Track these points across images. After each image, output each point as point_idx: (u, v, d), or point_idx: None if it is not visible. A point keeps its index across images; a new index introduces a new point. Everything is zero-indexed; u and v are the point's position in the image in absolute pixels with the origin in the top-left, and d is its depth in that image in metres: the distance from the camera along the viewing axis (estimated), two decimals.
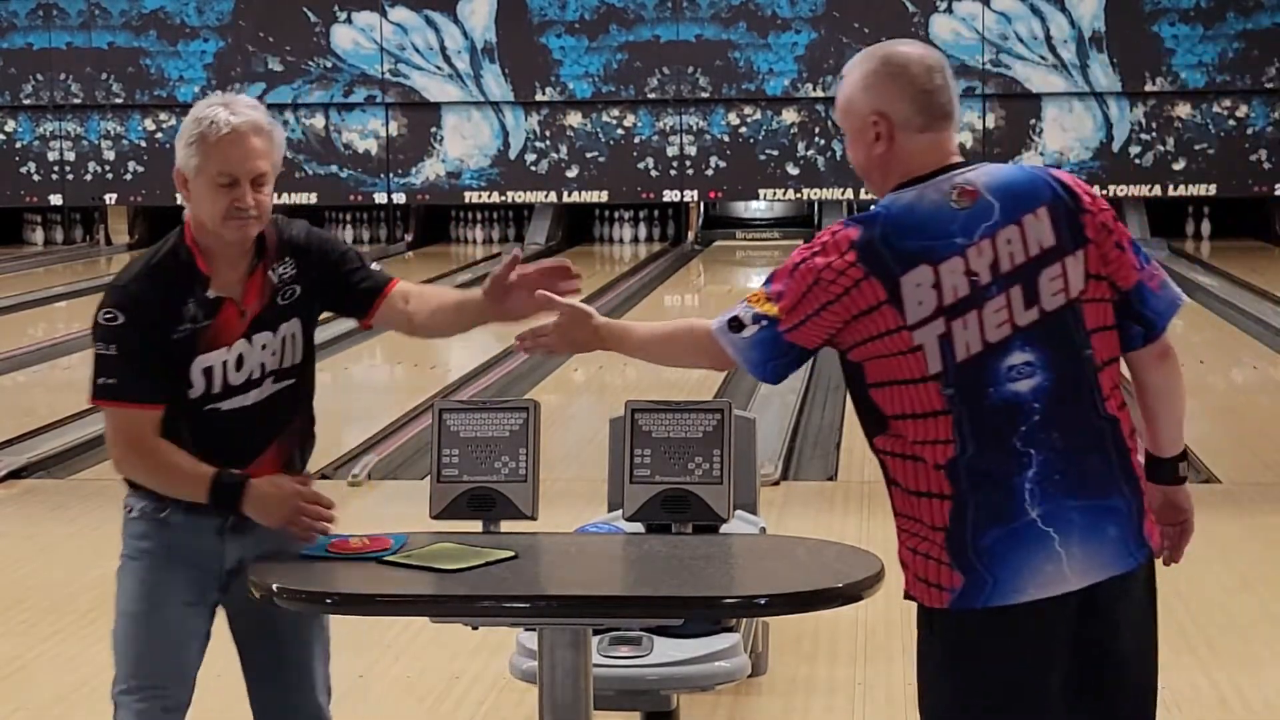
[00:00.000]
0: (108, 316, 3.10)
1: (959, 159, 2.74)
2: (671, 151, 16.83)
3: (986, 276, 2.62)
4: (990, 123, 16.46)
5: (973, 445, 2.60)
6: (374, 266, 3.44)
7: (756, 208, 18.05)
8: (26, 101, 17.37)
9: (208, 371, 3.13)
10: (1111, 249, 2.72)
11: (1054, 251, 2.66)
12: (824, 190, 16.78)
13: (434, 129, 17.01)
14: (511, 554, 3.07)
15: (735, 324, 2.74)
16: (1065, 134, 16.50)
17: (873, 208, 2.75)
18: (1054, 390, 2.64)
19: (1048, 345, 2.64)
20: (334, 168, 17.12)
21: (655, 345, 2.95)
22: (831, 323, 2.66)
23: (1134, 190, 16.57)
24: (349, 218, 17.96)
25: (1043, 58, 16.33)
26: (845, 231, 2.69)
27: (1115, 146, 16.48)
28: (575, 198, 17.03)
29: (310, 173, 17.14)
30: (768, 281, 2.73)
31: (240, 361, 3.15)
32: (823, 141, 16.61)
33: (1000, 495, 2.60)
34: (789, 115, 16.65)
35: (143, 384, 3.09)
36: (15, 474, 7.06)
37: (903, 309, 2.61)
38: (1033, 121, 16.48)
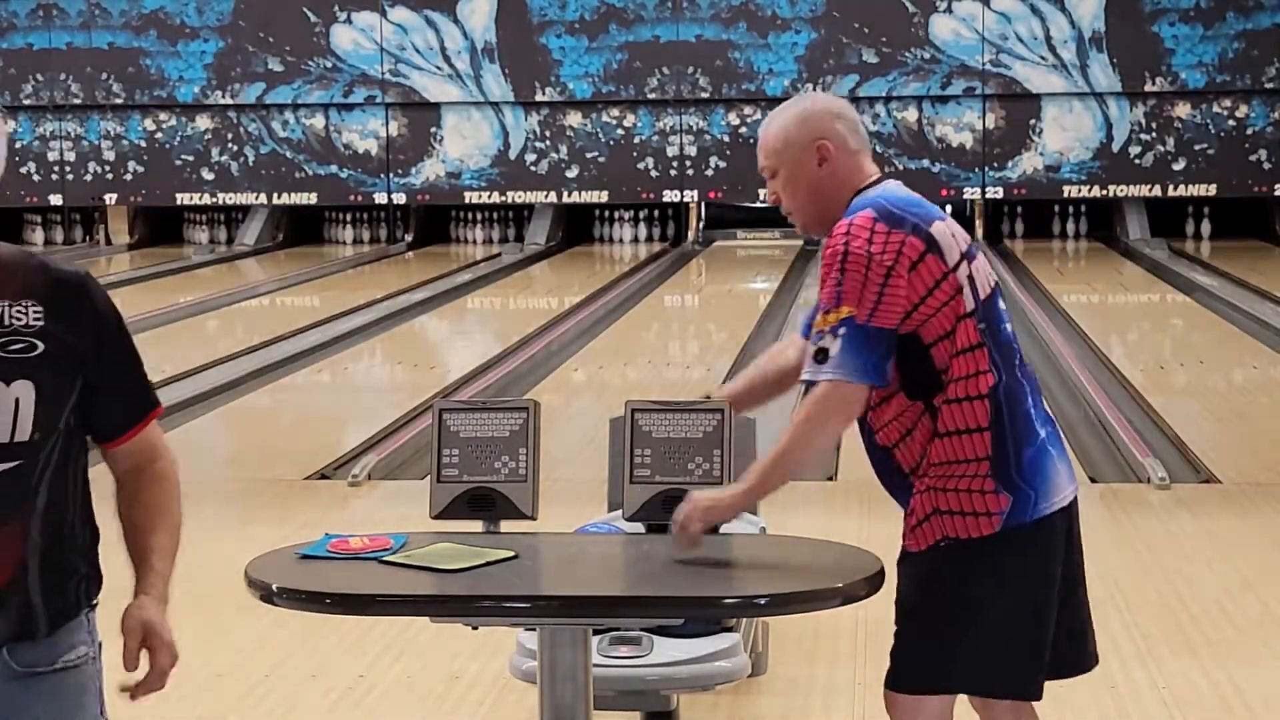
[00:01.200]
0: None
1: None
2: (671, 151, 16.83)
3: (964, 241, 3.08)
4: (990, 123, 16.46)
5: (1003, 373, 3.02)
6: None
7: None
8: (26, 101, 17.37)
9: None
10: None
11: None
12: None
13: (434, 129, 17.01)
14: (511, 554, 3.07)
15: (821, 355, 2.97)
16: (1065, 134, 16.50)
17: (859, 202, 3.05)
18: (1017, 337, 3.15)
19: (1005, 311, 3.13)
20: (334, 168, 17.12)
21: (794, 449, 3.04)
22: (899, 292, 2.94)
23: (1134, 190, 16.57)
24: (349, 218, 17.96)
25: (1043, 58, 16.33)
26: (861, 217, 2.99)
27: (1115, 146, 16.48)
28: (575, 198, 17.03)
29: (310, 173, 17.13)
30: (821, 306, 2.98)
31: None
32: None
33: (1022, 417, 3.02)
34: None
35: None
36: None
37: (942, 254, 2.99)
38: (1032, 121, 16.48)
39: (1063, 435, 3.18)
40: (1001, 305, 3.09)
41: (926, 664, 3.09)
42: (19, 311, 2.38)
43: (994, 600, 3.03)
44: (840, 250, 2.96)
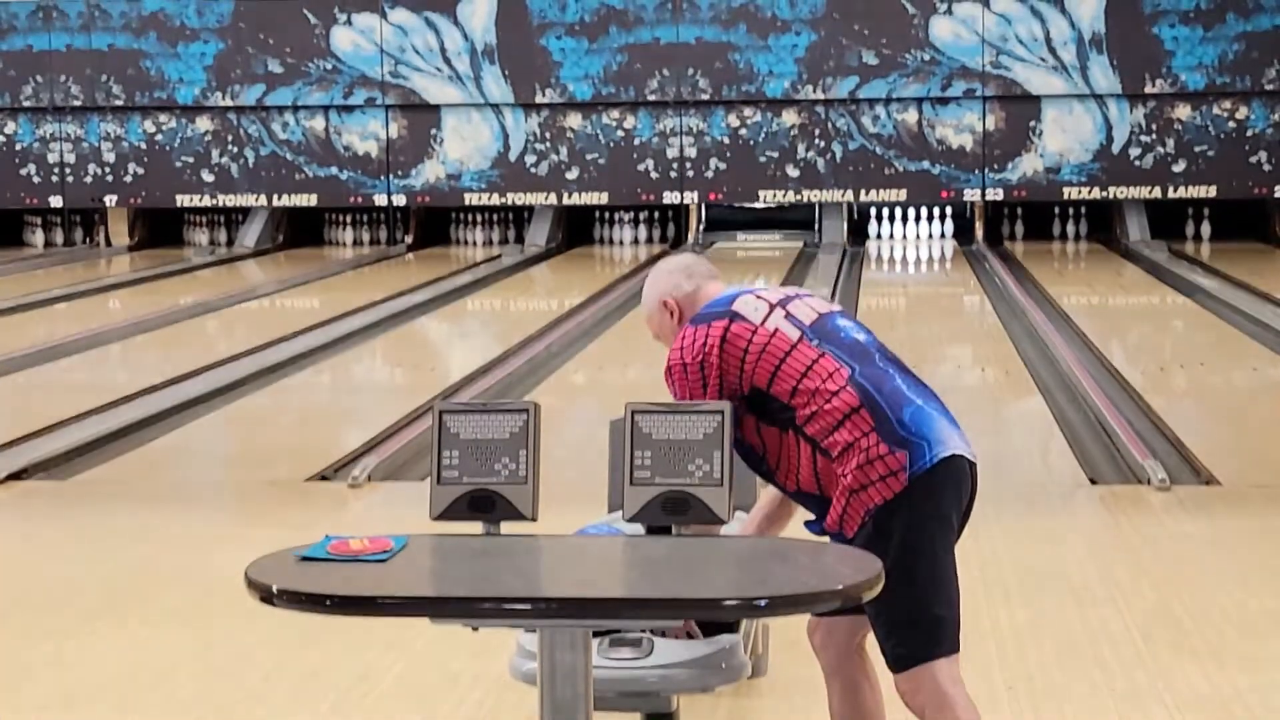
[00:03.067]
0: None
1: None
2: (671, 153, 16.84)
3: (779, 293, 3.52)
4: (990, 125, 16.46)
5: (856, 365, 3.35)
6: None
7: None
8: (26, 103, 17.38)
9: None
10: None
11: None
12: (824, 192, 16.78)
13: (434, 131, 17.02)
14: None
15: None
16: (1065, 136, 16.51)
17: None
18: (875, 344, 3.45)
19: (852, 325, 3.49)
20: (334, 169, 17.12)
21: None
22: (714, 372, 3.40)
23: (1134, 192, 16.57)
24: (349, 220, 17.97)
25: (1043, 59, 16.34)
26: (693, 337, 3.46)
27: (1115, 148, 16.48)
28: (575, 200, 17.03)
29: (310, 174, 17.14)
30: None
31: None
32: (823, 144, 16.62)
33: (891, 392, 3.33)
34: (789, 117, 16.66)
35: None
36: (15, 475, 7.06)
37: (747, 319, 3.42)
38: (1032, 123, 16.49)
39: (955, 423, 3.38)
40: (842, 321, 3.45)
41: (907, 633, 3.28)
42: None
43: (928, 548, 3.26)
44: (681, 365, 3.46)
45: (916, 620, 3.28)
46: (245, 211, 17.69)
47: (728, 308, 3.46)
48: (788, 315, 3.43)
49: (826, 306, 3.50)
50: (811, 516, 3.49)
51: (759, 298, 3.48)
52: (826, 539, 3.39)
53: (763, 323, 3.42)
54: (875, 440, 3.28)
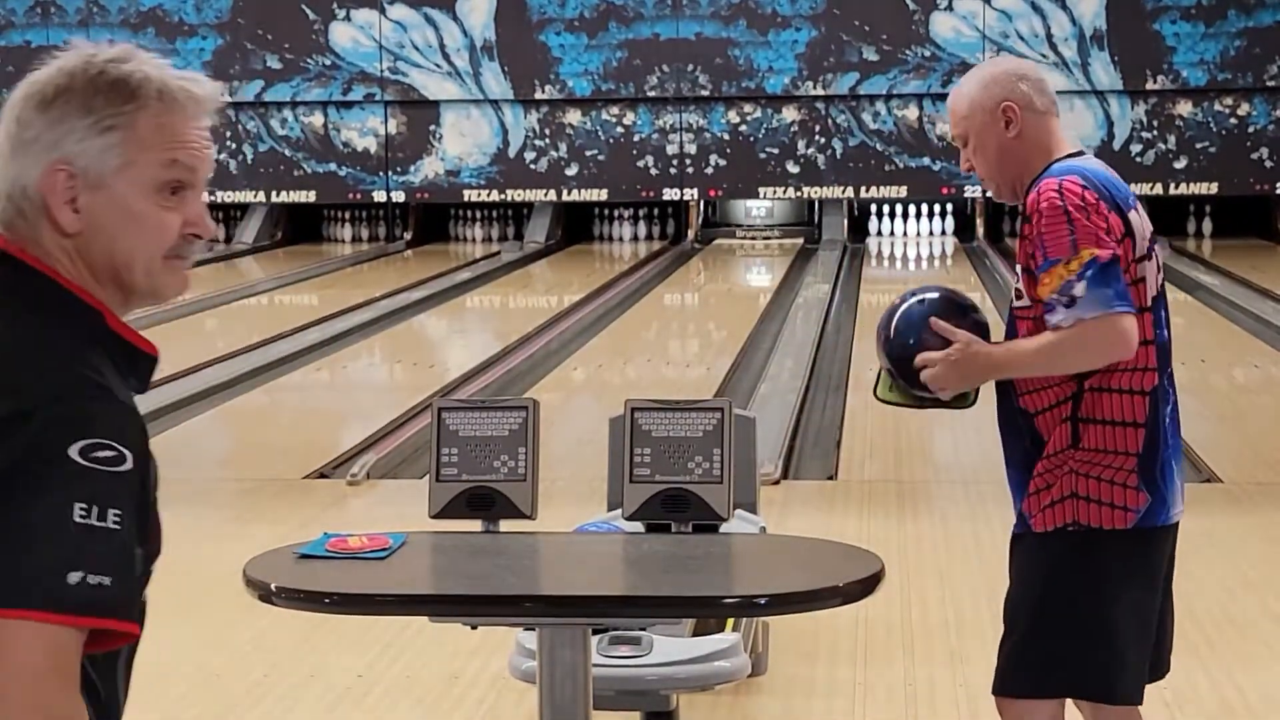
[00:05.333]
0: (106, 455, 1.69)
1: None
2: (671, 150, 16.82)
3: (1148, 238, 3.06)
4: None
5: (1160, 375, 3.03)
6: None
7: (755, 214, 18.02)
8: None
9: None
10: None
11: (1155, 239, 3.12)
12: (824, 189, 16.77)
13: (433, 127, 17.00)
14: None
15: (1069, 301, 2.91)
16: (1066, 132, 16.47)
17: (1056, 170, 3.05)
18: (1171, 346, 3.10)
19: (1168, 309, 3.11)
20: (333, 165, 17.11)
21: (1043, 357, 2.99)
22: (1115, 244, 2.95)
23: (1135, 188, 16.39)
24: (348, 216, 17.95)
25: (1044, 55, 16.31)
26: (1070, 179, 2.99)
27: (1116, 144, 16.47)
28: (575, 196, 17.02)
29: (309, 170, 17.12)
30: (1048, 261, 2.93)
31: None
32: (823, 140, 16.60)
33: (1167, 422, 3.05)
34: (789, 113, 16.64)
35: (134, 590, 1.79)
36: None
37: (1135, 242, 3.00)
38: None
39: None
40: (1164, 311, 3.09)
41: (1044, 667, 3.04)
42: None
43: (1118, 597, 3.01)
44: (1059, 205, 2.94)
45: (1050, 653, 3.04)
46: (244, 208, 17.67)
47: (1125, 211, 3.00)
48: (1144, 275, 3.02)
49: (1158, 285, 3.07)
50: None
51: (1142, 223, 3.04)
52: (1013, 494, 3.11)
53: (1139, 260, 3.01)
54: (1133, 466, 3.01)
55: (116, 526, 1.65)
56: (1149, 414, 3.00)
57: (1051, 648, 3.02)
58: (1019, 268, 3.05)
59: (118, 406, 1.74)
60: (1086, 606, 3.00)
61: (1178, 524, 3.12)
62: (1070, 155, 3.10)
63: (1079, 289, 2.90)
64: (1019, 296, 3.04)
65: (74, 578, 1.60)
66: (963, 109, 3.11)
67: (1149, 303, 3.01)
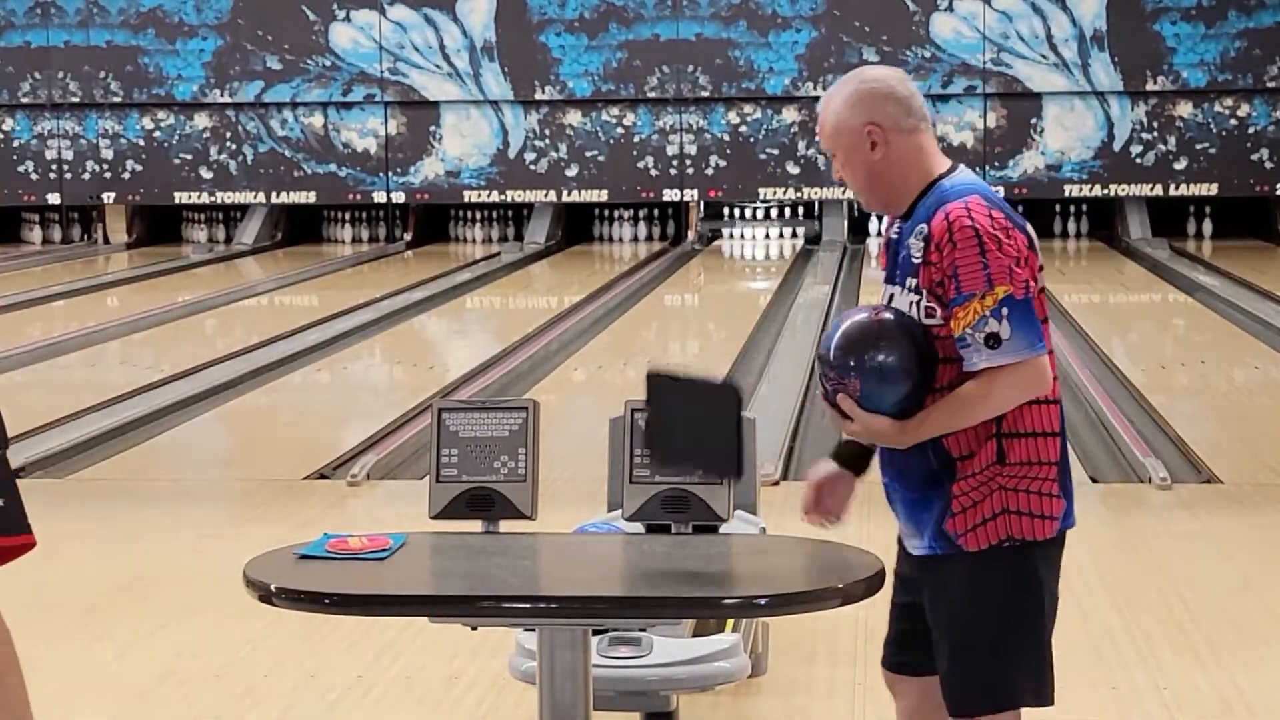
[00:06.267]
0: None
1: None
2: (671, 150, 16.82)
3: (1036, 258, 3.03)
4: (991, 122, 16.45)
5: (1058, 385, 3.01)
6: None
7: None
8: (24, 100, 17.36)
9: None
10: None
11: None
12: (824, 189, 16.77)
13: (433, 127, 17.00)
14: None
15: (992, 340, 2.90)
16: (1066, 133, 16.49)
17: (956, 187, 2.97)
18: None
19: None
20: (333, 166, 17.11)
21: (949, 417, 2.95)
22: (1031, 278, 2.95)
23: (1135, 190, 16.56)
24: (348, 217, 17.95)
25: (1044, 56, 16.32)
26: (972, 199, 2.94)
27: (1116, 146, 16.47)
28: (575, 197, 17.02)
29: (309, 171, 17.12)
30: (961, 295, 2.89)
31: None
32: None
33: (1062, 431, 3.03)
34: (789, 114, 16.64)
35: None
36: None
37: (1037, 254, 2.98)
38: (1034, 120, 16.47)
39: None
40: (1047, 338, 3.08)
41: (1004, 680, 3.02)
42: None
43: (1044, 603, 3.03)
44: (973, 236, 2.89)
45: (999, 666, 3.02)
46: (244, 209, 17.66)
47: (1023, 227, 2.97)
48: (1041, 288, 2.99)
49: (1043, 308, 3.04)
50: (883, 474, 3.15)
51: (1031, 242, 2.98)
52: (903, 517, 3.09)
53: (1035, 276, 2.97)
54: (1054, 475, 3.00)
55: None
56: (1060, 422, 3.01)
57: (1007, 662, 3.01)
58: (922, 288, 2.94)
59: None
60: (1030, 617, 3.02)
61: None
62: (950, 171, 3.02)
63: (1002, 330, 2.88)
64: (930, 315, 2.94)
65: None
66: (829, 127, 3.02)
67: (1045, 314, 2.99)
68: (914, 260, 2.95)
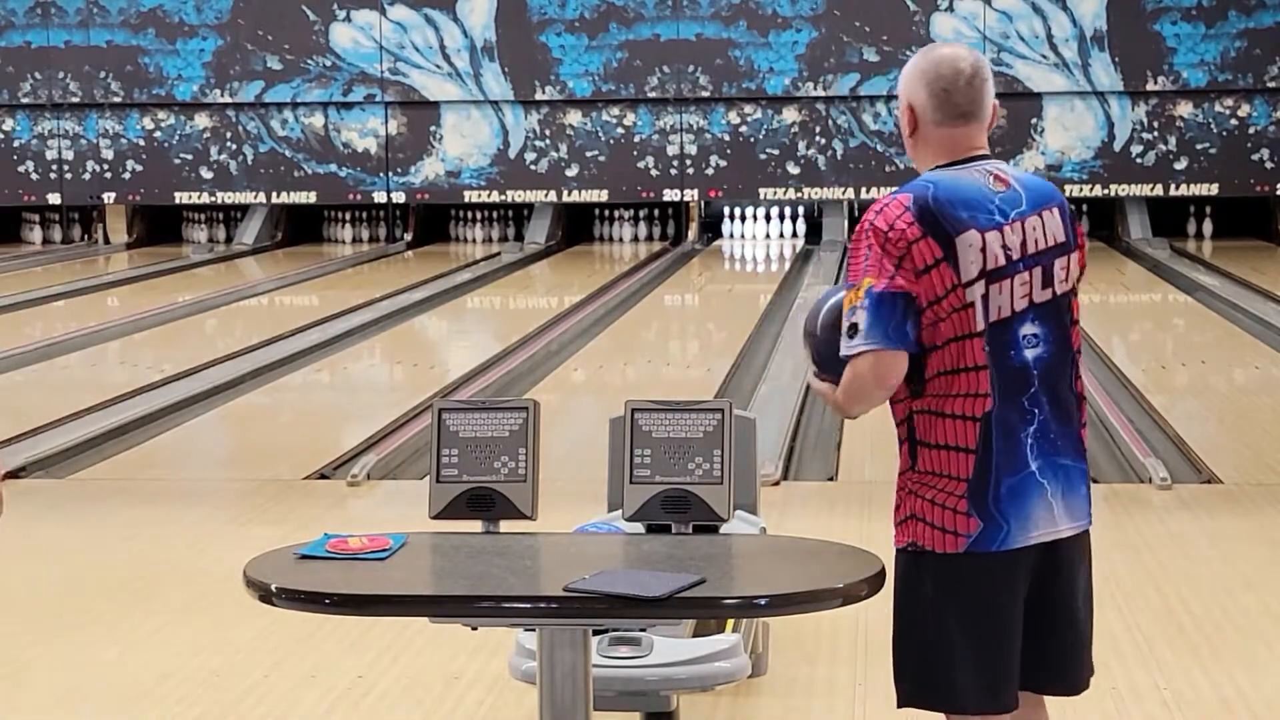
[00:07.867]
0: None
1: (984, 150, 3.17)
2: (671, 150, 16.82)
3: (1017, 253, 3.00)
4: None
5: (999, 400, 2.97)
6: None
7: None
8: (25, 100, 17.36)
9: None
10: (1083, 260, 3.17)
11: (1064, 246, 3.07)
12: (824, 189, 16.77)
13: (433, 127, 17.00)
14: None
15: (852, 330, 2.95)
16: (1066, 133, 16.49)
17: (906, 184, 3.06)
18: (1048, 362, 3.03)
19: (1050, 323, 3.03)
20: (333, 166, 17.11)
21: (841, 395, 3.01)
22: (908, 279, 2.93)
23: (1135, 189, 16.56)
24: (348, 217, 17.95)
25: (1044, 56, 16.32)
26: (899, 198, 3.01)
27: (1117, 145, 16.47)
28: (575, 197, 17.02)
29: (309, 171, 17.12)
30: (847, 285, 2.99)
31: None
32: (823, 141, 16.60)
33: (1013, 447, 2.97)
34: (789, 114, 16.64)
35: None
36: (13, 474, 7.04)
37: (958, 268, 2.94)
38: (1034, 120, 16.47)
39: (1081, 474, 3.06)
40: (1026, 330, 2.98)
41: (905, 678, 3.06)
42: None
43: (944, 618, 2.98)
44: (866, 226, 2.99)
45: (913, 665, 3.05)
46: (244, 209, 17.67)
47: (953, 235, 2.94)
48: (985, 297, 2.94)
49: (1024, 303, 2.98)
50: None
51: (982, 248, 2.95)
52: None
53: (968, 284, 2.94)
54: (962, 491, 2.95)
55: None
56: (979, 440, 2.94)
57: (903, 661, 3.05)
58: None
59: None
60: (922, 624, 3.02)
61: (1049, 545, 3.00)
62: (957, 162, 3.07)
63: (860, 319, 2.92)
64: None
65: None
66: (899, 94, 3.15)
67: (979, 327, 2.93)
68: None
